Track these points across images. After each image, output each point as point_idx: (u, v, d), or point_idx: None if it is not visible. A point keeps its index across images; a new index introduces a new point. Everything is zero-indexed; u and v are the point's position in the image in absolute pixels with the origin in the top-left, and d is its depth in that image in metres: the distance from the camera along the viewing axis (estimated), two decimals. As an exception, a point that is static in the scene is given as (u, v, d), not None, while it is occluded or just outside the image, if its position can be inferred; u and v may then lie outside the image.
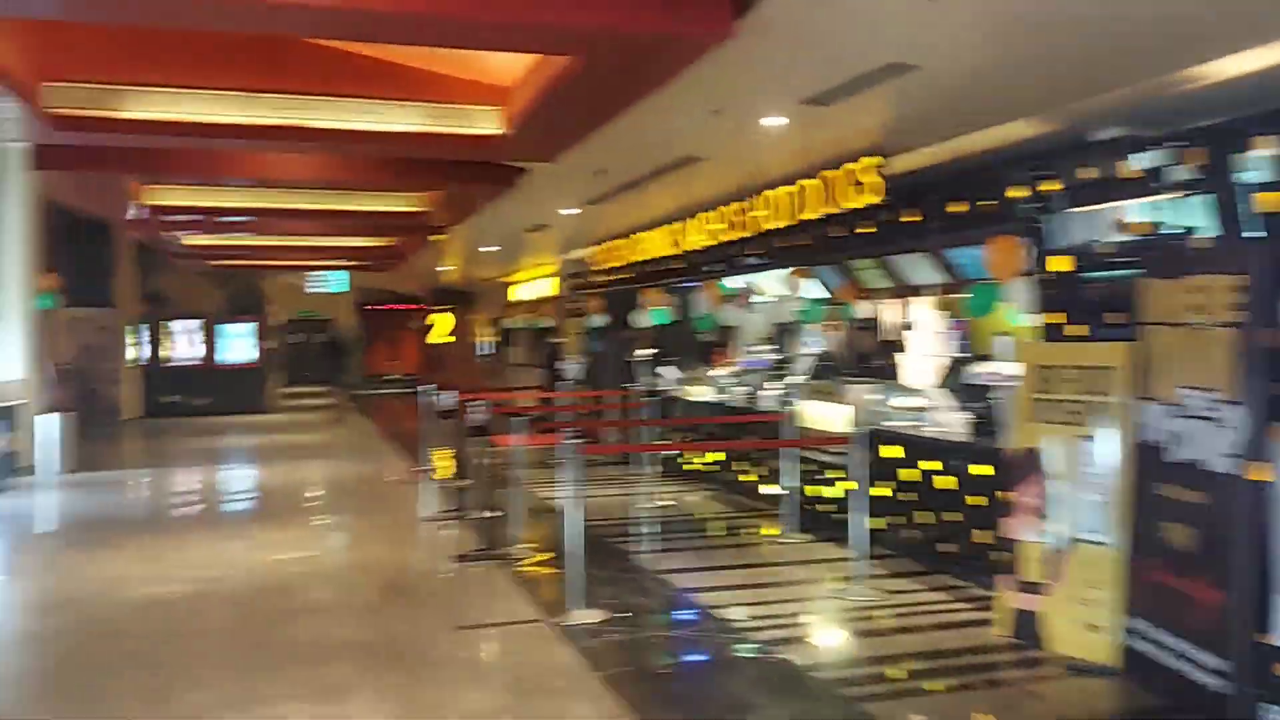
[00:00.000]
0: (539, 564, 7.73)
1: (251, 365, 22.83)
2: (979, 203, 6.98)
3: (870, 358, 11.10)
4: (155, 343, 22.22)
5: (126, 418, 20.48)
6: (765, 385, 11.03)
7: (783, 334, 13.98)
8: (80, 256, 19.16)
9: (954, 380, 8.23)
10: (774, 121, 7.53)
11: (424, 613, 6.40)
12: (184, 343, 22.61)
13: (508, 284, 23.97)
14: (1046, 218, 6.34)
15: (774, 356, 11.68)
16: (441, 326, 31.32)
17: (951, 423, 7.52)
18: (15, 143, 8.78)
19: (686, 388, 13.05)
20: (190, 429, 19.24)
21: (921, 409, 8.46)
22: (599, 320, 15.63)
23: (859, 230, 8.48)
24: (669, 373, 13.74)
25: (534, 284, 21.86)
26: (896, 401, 8.90)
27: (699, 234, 11.27)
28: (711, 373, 12.37)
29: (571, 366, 16.84)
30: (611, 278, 14.93)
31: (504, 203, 12.41)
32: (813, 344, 13.41)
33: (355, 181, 11.70)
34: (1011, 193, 6.58)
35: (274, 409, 23.22)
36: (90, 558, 8.02)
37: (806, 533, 8.52)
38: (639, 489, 11.58)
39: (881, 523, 7.86)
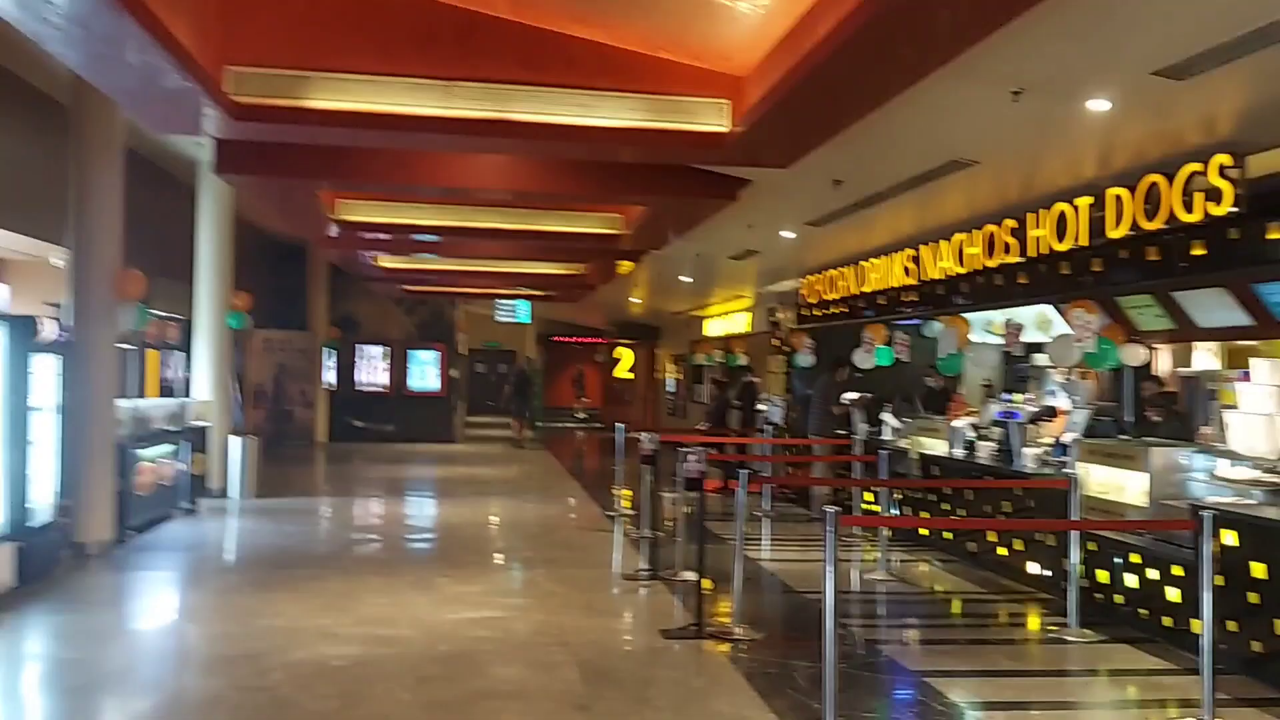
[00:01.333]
0: (761, 646, 6.35)
1: (437, 394, 22.50)
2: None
3: (1162, 413, 9.19)
4: (345, 367, 22.20)
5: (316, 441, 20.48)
6: (1025, 441, 9.27)
7: (1031, 381, 12.12)
8: (275, 279, 19.28)
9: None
10: (1097, 106, 5.93)
11: (639, 713, 5.10)
12: (372, 368, 22.52)
13: (697, 318, 22.80)
14: None
15: (1031, 408, 9.88)
16: (625, 361, 30.49)
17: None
18: (199, 138, 8.14)
19: (917, 439, 11.38)
20: (375, 455, 18.92)
21: (1261, 483, 6.60)
22: (806, 359, 14.15)
23: (1194, 251, 6.68)
24: (890, 421, 12.13)
25: (727, 318, 20.59)
26: (1222, 471, 7.05)
27: (948, 259, 9.65)
28: (951, 423, 10.67)
29: (774, 409, 15.42)
30: (825, 311, 13.43)
31: (711, 225, 11.17)
32: (1068, 394, 11.48)
33: (552, 192, 10.64)
34: None
35: (459, 439, 22.82)
36: (262, 601, 7.16)
37: (1092, 628, 6.79)
38: (857, 552, 10.08)
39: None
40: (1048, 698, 5.63)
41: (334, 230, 12.62)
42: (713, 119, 7.23)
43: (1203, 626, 5.18)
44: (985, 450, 9.83)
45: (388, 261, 17.42)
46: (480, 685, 5.40)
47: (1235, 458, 7.18)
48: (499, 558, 9.83)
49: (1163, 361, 10.93)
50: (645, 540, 9.42)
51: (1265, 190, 5.90)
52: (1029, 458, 9.09)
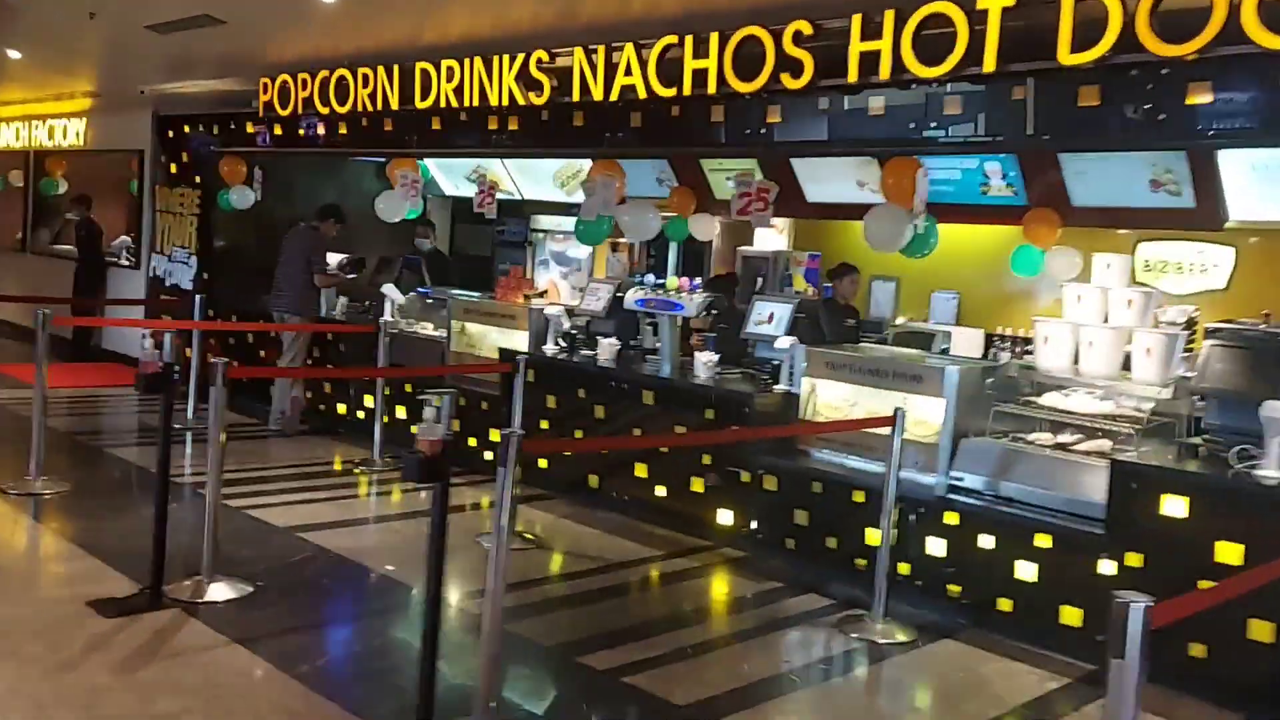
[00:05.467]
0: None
1: None
2: None
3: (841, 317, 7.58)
4: None
5: None
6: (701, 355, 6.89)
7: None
8: None
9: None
10: None
11: None
12: None
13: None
14: None
15: (697, 297, 7.40)
16: None
17: None
18: None
19: (466, 328, 8.20)
20: None
21: (1126, 419, 5.24)
22: (245, 197, 9.72)
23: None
24: (393, 296, 8.84)
25: (39, 125, 13.99)
26: (1056, 401, 5.61)
27: (633, 72, 6.39)
28: (545, 310, 7.74)
29: (176, 267, 10.70)
30: (305, 132, 9.02)
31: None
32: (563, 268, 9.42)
33: None
34: None
35: None
36: None
37: (894, 618, 4.99)
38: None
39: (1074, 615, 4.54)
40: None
41: None
42: None
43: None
44: (607, 350, 7.24)
45: None
46: None
47: (1067, 382, 5.68)
48: None
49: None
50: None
51: None
52: (701, 366, 6.78)
